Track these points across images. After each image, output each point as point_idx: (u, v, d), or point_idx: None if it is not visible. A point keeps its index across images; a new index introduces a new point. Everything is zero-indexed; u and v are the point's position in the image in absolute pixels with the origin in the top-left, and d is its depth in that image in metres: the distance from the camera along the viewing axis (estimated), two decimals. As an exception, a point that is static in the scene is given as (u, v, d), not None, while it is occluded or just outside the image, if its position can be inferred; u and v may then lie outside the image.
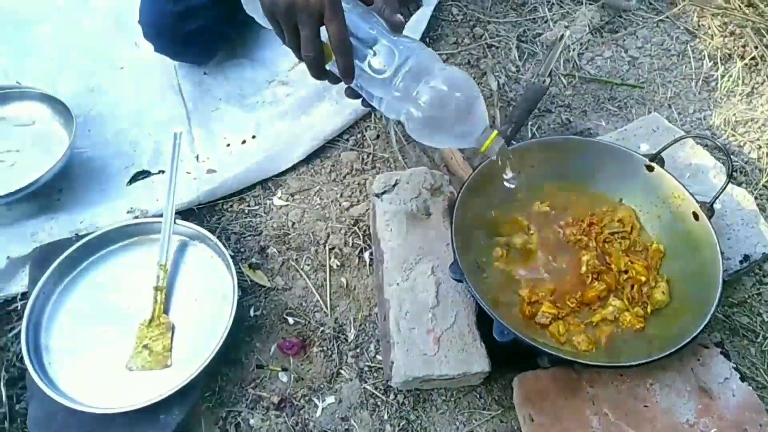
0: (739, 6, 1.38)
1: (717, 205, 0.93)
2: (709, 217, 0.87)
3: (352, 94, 0.79)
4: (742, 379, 0.82)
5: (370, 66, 0.70)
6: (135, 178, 1.13)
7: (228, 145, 1.18)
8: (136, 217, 1.03)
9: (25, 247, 1.00)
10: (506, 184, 0.77)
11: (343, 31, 0.67)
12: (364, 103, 0.80)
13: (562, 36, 1.11)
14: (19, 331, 0.94)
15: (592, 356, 0.82)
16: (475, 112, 0.69)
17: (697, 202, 0.88)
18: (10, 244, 1.01)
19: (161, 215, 0.98)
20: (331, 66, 0.73)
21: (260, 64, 1.31)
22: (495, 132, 0.70)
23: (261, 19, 0.77)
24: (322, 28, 0.68)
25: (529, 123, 1.19)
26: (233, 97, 1.25)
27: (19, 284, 0.99)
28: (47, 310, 0.92)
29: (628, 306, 0.87)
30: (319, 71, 0.73)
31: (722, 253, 0.85)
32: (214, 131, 1.20)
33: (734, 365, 0.83)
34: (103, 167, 1.15)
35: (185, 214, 1.05)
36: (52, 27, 1.34)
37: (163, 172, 1.14)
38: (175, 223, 0.96)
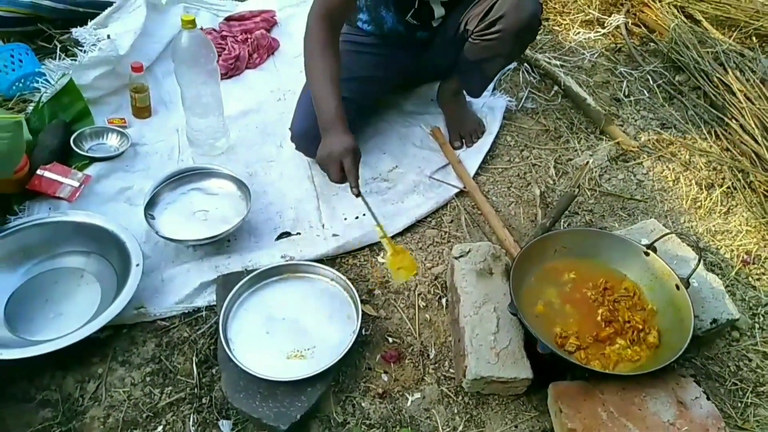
0: (719, 150, 1.82)
1: (694, 283, 1.30)
2: (687, 288, 1.24)
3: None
4: (708, 398, 1.14)
5: None
6: (281, 236, 1.56)
7: (345, 218, 1.60)
8: (287, 260, 1.44)
9: (211, 275, 1.42)
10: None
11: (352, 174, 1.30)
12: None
13: (587, 162, 1.54)
14: (204, 331, 1.34)
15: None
16: None
17: (679, 278, 1.26)
18: (201, 272, 1.43)
19: (305, 260, 1.40)
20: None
21: (367, 165, 1.75)
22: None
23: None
24: None
25: (562, 221, 1.60)
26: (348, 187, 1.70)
27: (204, 300, 1.39)
28: (230, 316, 1.31)
29: (629, 345, 1.22)
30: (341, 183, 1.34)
31: (696, 316, 1.22)
32: (336, 208, 1.63)
33: (703, 390, 1.16)
34: (257, 227, 1.58)
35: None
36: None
37: (299, 233, 1.57)
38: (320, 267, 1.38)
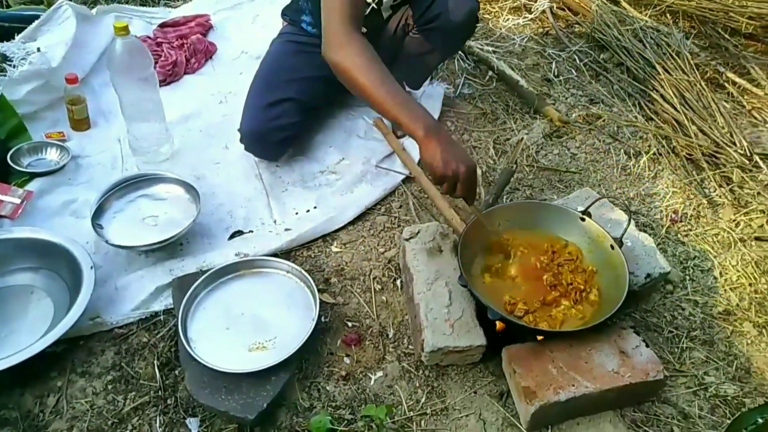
0: (643, 120, 1.93)
1: (628, 243, 1.39)
2: (620, 247, 1.32)
3: None
4: (647, 346, 1.23)
5: None
6: (234, 235, 1.57)
7: (296, 213, 1.62)
8: (242, 258, 1.45)
9: (166, 279, 1.41)
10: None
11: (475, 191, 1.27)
12: None
13: (521, 139, 1.61)
14: (164, 335, 1.34)
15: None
16: None
17: (612, 238, 1.34)
18: (156, 277, 1.42)
19: (259, 257, 1.42)
20: None
21: (314, 159, 1.78)
22: None
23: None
24: None
25: (504, 196, 1.67)
26: (297, 182, 1.71)
27: (161, 304, 1.38)
28: (189, 316, 1.31)
29: (573, 305, 1.29)
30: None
31: (631, 272, 1.30)
32: (286, 204, 1.65)
33: (642, 339, 1.25)
34: (209, 228, 1.58)
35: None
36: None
37: (252, 231, 1.58)
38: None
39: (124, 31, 1.50)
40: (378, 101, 1.24)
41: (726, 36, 2.29)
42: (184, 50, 2.11)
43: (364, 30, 1.37)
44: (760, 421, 1.21)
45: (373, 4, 1.65)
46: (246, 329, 1.30)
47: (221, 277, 1.39)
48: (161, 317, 1.37)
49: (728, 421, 1.20)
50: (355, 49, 1.26)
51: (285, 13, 1.83)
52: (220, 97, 2.00)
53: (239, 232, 1.57)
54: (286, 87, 1.67)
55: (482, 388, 1.26)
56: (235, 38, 2.26)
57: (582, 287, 1.31)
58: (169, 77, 2.04)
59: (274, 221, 1.60)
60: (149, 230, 1.48)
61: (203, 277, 1.36)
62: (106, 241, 1.41)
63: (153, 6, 2.45)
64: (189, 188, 1.56)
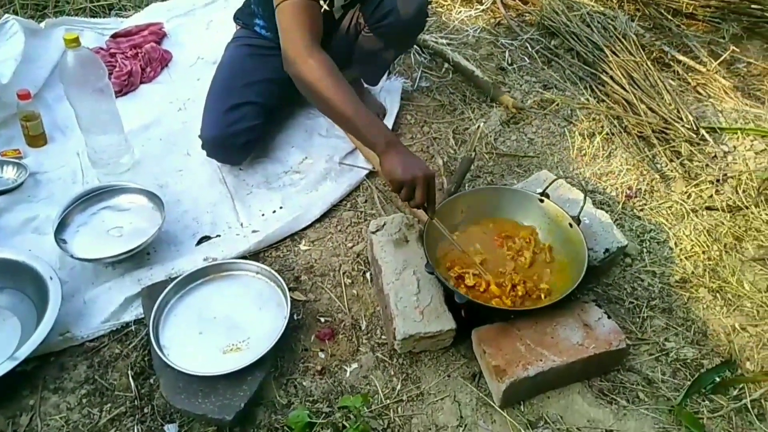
0: (595, 102, 1.99)
1: (586, 220, 1.44)
2: (578, 225, 1.37)
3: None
4: (609, 317, 1.28)
5: None
6: (201, 241, 1.57)
7: (263, 214, 1.63)
8: (210, 262, 1.45)
9: (134, 289, 1.40)
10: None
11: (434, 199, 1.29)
12: None
13: (478, 127, 1.65)
14: (136, 344, 1.33)
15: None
16: None
17: (570, 217, 1.39)
18: (124, 288, 1.41)
19: (227, 260, 1.42)
20: None
21: (277, 160, 1.79)
22: None
23: None
24: None
25: (466, 184, 1.70)
26: (262, 184, 1.72)
27: (132, 314, 1.38)
28: (161, 324, 1.31)
29: (536, 284, 1.33)
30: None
31: (591, 248, 1.35)
32: (251, 206, 1.65)
33: (604, 311, 1.29)
34: (176, 236, 1.57)
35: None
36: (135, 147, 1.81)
37: (219, 235, 1.58)
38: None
39: (74, 42, 1.48)
40: (340, 117, 1.29)
41: (669, 17, 2.38)
42: (138, 59, 2.08)
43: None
44: (717, 380, 1.27)
45: (325, 6, 1.66)
46: (219, 332, 1.30)
47: (191, 283, 1.39)
48: (132, 327, 1.36)
49: (689, 383, 1.26)
50: (317, 65, 1.28)
51: (237, 17, 1.83)
52: (178, 104, 1.98)
53: (206, 238, 1.57)
54: (244, 90, 1.67)
55: (455, 371, 1.29)
56: (190, 45, 2.25)
57: (545, 266, 1.35)
58: (126, 87, 2.02)
59: (241, 224, 1.60)
60: (114, 242, 1.47)
61: (172, 284, 1.36)
62: (71, 256, 1.40)
63: (104, 17, 2.41)
64: (152, 197, 1.55)
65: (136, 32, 2.20)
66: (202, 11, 2.39)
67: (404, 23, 1.64)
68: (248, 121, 1.65)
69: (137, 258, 1.48)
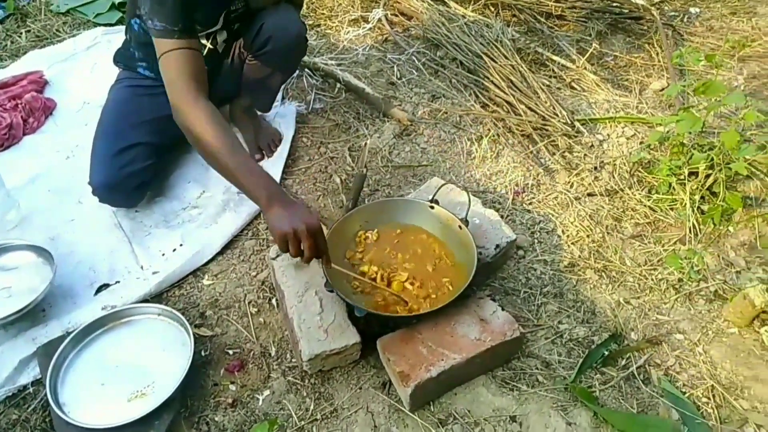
0: (479, 106, 2.10)
1: (475, 221, 1.52)
2: (467, 226, 1.44)
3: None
4: (503, 309, 1.34)
5: None
6: (99, 290, 1.52)
7: (163, 254, 1.60)
8: (109, 311, 1.41)
9: (29, 349, 1.34)
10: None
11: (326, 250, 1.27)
12: None
13: (365, 144, 1.71)
14: (35, 407, 1.28)
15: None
16: None
17: (459, 219, 1.45)
18: (18, 349, 1.35)
19: (126, 306, 1.39)
20: None
21: (174, 197, 1.77)
22: None
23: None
24: None
25: (366, 199, 1.75)
26: (160, 223, 1.69)
27: (29, 376, 1.32)
28: (59, 382, 1.26)
29: (433, 288, 1.38)
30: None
31: (482, 246, 1.42)
32: (150, 248, 1.62)
33: (498, 304, 1.36)
34: (72, 288, 1.52)
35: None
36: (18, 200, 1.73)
37: (118, 282, 1.54)
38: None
39: (-65, 102, 1.41)
40: (225, 169, 1.26)
41: (542, 20, 2.54)
42: (19, 111, 2.00)
43: (207, 67, 1.38)
44: (606, 353, 1.37)
45: (209, 45, 1.67)
46: (122, 380, 1.27)
47: (88, 335, 1.35)
48: (30, 390, 1.31)
49: (581, 360, 1.34)
50: (203, 116, 1.27)
51: (117, 60, 1.80)
52: (66, 152, 1.92)
53: (105, 286, 1.53)
54: (133, 131, 1.64)
55: (366, 382, 1.32)
56: (75, 90, 2.18)
57: (442, 270, 1.41)
58: (7, 141, 1.93)
59: (141, 267, 1.57)
60: (2, 303, 1.40)
61: (68, 338, 1.32)
62: (-47, 325, 1.32)
63: (-22, 69, 2.30)
64: (41, 251, 1.49)
65: (14, 83, 2.11)
66: (85, 54, 2.33)
67: (284, 48, 1.67)
68: (140, 162, 1.62)
69: (31, 316, 1.42)
